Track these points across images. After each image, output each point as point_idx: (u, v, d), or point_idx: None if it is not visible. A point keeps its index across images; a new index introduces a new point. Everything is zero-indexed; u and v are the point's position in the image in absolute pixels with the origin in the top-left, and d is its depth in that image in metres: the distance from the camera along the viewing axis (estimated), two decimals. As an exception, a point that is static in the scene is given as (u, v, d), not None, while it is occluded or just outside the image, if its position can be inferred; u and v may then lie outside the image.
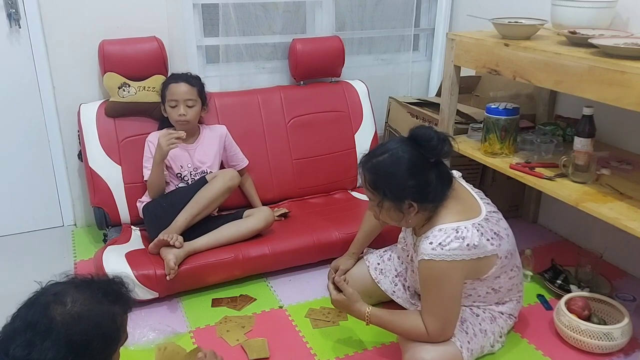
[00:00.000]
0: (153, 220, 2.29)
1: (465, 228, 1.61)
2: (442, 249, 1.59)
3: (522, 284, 1.90)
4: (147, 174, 2.35)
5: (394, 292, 2.00)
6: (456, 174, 1.83)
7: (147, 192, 2.38)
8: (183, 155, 2.37)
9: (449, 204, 1.66)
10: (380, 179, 1.64)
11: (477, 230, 1.62)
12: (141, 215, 2.39)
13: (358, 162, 1.74)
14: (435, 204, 1.65)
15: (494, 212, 1.75)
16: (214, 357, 1.55)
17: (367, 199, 1.74)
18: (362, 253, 2.16)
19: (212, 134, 2.46)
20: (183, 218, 2.18)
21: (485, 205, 1.73)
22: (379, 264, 2.06)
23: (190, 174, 2.38)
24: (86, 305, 1.13)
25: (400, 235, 1.95)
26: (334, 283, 1.85)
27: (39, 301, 1.12)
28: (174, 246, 2.09)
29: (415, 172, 1.61)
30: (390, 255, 2.07)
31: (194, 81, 2.38)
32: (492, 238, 1.65)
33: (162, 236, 2.11)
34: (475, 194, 1.79)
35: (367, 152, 1.73)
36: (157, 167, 2.28)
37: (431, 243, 1.61)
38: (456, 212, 1.65)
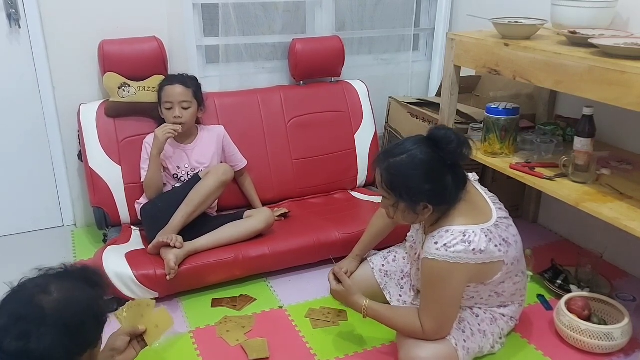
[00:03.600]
0: (150, 221, 2.28)
1: (473, 232, 1.61)
2: (447, 250, 1.59)
3: (525, 288, 1.90)
4: (144, 175, 2.35)
5: (400, 295, 1.99)
6: (472, 176, 1.81)
7: (144, 193, 2.38)
8: (180, 155, 2.37)
9: (460, 206, 1.65)
10: (397, 180, 1.62)
11: (486, 236, 1.62)
12: (139, 217, 2.39)
13: (374, 159, 1.71)
14: (449, 206, 1.65)
15: (504, 217, 1.73)
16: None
17: (380, 198, 1.72)
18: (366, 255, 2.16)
19: (210, 135, 2.45)
20: (179, 217, 2.18)
21: (497, 211, 1.72)
22: (383, 265, 2.05)
23: (188, 175, 2.37)
24: (71, 291, 1.15)
25: (409, 234, 1.95)
26: (334, 274, 1.86)
27: (20, 295, 1.13)
28: (174, 247, 2.09)
29: (432, 176, 1.60)
30: (394, 257, 2.07)
31: (190, 82, 2.36)
32: (500, 244, 1.64)
33: (160, 238, 2.11)
34: (489, 198, 1.77)
35: (383, 150, 1.71)
36: (154, 160, 2.27)
37: (436, 243, 1.61)
38: (466, 216, 1.65)
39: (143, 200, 2.40)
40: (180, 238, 2.12)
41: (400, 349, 1.71)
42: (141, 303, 1.56)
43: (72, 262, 1.38)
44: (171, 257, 2.04)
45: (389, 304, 1.98)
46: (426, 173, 1.60)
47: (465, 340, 1.71)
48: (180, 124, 2.30)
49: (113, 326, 1.45)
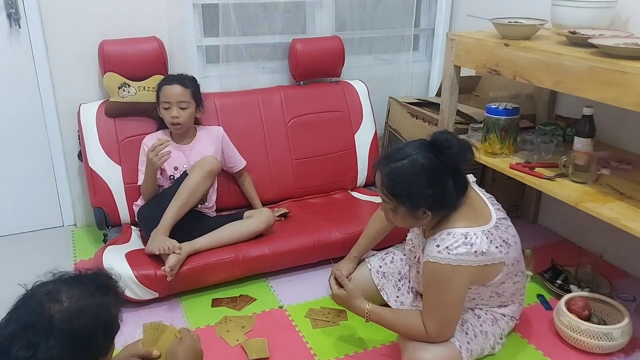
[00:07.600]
0: (146, 222, 2.28)
1: (475, 234, 1.60)
2: (449, 253, 1.59)
3: (525, 287, 1.90)
4: (142, 177, 2.34)
5: (397, 297, 1.99)
6: (470, 178, 1.80)
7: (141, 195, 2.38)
8: (179, 156, 2.35)
9: (460, 209, 1.65)
10: (398, 185, 1.61)
11: (487, 238, 1.61)
12: (136, 219, 2.40)
13: (374, 162, 1.71)
14: (449, 210, 1.64)
15: (503, 218, 1.73)
16: (188, 334, 1.48)
17: (380, 201, 1.72)
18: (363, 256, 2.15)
19: (208, 135, 2.45)
20: (170, 213, 2.17)
21: (495, 212, 1.72)
22: (380, 266, 2.05)
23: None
24: (82, 299, 1.13)
25: (408, 237, 1.94)
26: (335, 278, 1.85)
27: (31, 302, 1.11)
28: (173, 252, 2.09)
29: (434, 181, 1.59)
30: (392, 258, 2.06)
31: (188, 82, 2.35)
32: (500, 246, 1.64)
33: (156, 250, 2.08)
34: (487, 199, 1.77)
35: (384, 154, 1.71)
36: (150, 178, 2.27)
37: (438, 246, 1.60)
38: (467, 218, 1.64)
39: (140, 202, 2.40)
40: (175, 241, 2.10)
41: (403, 351, 1.71)
42: (167, 330, 1.51)
43: (85, 266, 1.36)
44: (172, 259, 2.04)
45: (387, 304, 1.98)
46: (428, 178, 1.59)
47: (468, 342, 1.71)
48: (177, 124, 2.30)
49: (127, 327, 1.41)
